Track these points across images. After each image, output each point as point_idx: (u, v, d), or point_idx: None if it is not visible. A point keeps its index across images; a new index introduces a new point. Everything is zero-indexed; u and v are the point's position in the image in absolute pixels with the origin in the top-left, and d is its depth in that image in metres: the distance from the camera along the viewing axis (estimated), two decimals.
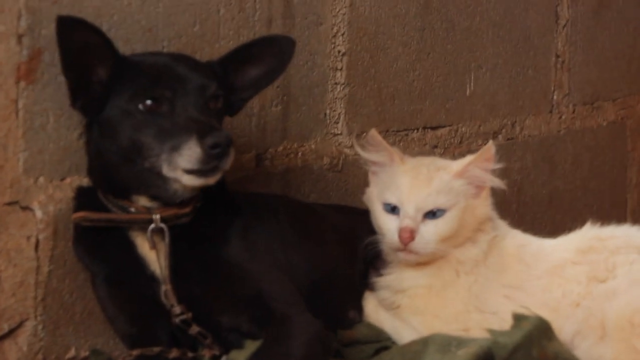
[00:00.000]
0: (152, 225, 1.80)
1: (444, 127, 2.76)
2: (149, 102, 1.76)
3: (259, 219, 1.96)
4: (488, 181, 1.97)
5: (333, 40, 2.42)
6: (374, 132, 2.02)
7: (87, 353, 1.94)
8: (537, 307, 1.91)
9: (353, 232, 2.13)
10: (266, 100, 2.26)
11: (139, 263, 1.83)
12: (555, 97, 3.16)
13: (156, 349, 1.81)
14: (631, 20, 3.46)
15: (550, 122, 3.16)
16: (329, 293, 2.02)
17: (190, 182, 1.75)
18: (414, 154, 2.16)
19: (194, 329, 1.82)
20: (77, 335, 1.93)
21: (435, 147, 2.72)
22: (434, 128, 2.72)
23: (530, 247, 2.03)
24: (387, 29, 2.55)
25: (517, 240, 2.04)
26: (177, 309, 1.81)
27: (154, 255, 1.82)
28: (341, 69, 2.44)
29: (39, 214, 1.85)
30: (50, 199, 1.87)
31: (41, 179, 1.86)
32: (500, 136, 2.93)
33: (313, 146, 2.41)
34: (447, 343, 1.80)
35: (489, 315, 1.93)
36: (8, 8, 1.77)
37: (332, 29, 2.41)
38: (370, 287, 2.07)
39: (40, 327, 1.87)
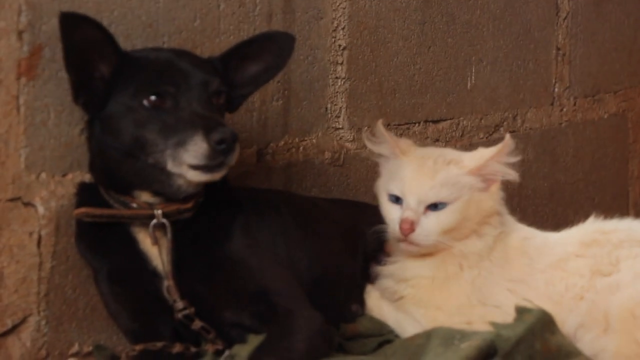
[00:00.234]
0: (154, 221, 1.79)
1: (445, 120, 2.75)
2: (153, 97, 1.75)
3: (261, 214, 1.96)
4: (506, 175, 1.97)
5: (333, 35, 2.41)
6: (379, 124, 2.02)
7: (90, 348, 1.94)
8: (541, 300, 1.91)
9: (355, 226, 2.13)
10: (267, 95, 2.26)
11: (141, 258, 1.83)
12: (556, 89, 3.16)
13: (159, 344, 1.81)
14: (632, 12, 3.46)
15: (552, 115, 3.15)
16: (331, 287, 2.02)
17: (196, 178, 1.75)
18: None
19: (197, 324, 1.82)
20: (80, 330, 1.93)
21: (437, 140, 2.72)
22: (435, 121, 2.72)
23: (534, 241, 2.03)
24: (387, 23, 2.54)
25: (521, 233, 2.04)
26: (179, 304, 1.81)
27: (156, 251, 1.82)
28: (342, 63, 2.44)
29: (41, 210, 1.85)
30: (52, 195, 1.86)
31: (43, 175, 1.85)
32: (501, 129, 2.92)
33: (314, 141, 2.40)
34: (450, 336, 1.80)
35: (492, 308, 1.93)
36: (8, 4, 1.77)
37: (333, 23, 2.41)
38: (373, 280, 2.07)
39: (43, 322, 1.87)
